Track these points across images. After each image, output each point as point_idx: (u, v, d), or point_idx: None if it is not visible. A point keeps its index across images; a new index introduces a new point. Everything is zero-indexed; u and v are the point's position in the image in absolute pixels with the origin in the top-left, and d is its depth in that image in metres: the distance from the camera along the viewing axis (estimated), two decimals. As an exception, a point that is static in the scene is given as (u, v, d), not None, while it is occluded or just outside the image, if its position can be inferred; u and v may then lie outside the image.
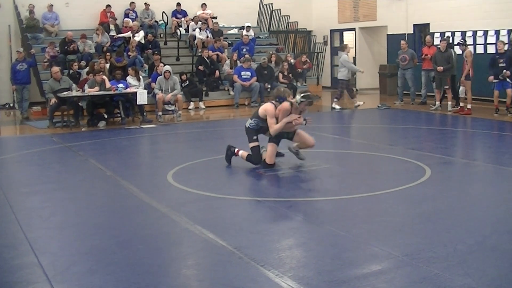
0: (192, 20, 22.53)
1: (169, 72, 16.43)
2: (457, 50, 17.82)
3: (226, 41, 22.16)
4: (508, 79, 15.25)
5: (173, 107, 16.59)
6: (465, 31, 19.18)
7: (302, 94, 9.20)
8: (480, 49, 18.77)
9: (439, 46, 17.35)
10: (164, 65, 17.50)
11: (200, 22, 22.20)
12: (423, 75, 18.46)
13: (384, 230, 6.34)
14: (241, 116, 17.44)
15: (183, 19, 22.85)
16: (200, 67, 19.98)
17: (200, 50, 20.83)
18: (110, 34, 20.87)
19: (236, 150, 9.61)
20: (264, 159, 9.24)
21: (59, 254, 5.87)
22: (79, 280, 5.13)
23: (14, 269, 5.46)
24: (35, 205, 7.84)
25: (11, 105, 19.76)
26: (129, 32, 20.72)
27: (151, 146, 13.16)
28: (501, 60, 15.36)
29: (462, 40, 17.03)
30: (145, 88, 16.80)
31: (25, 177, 9.90)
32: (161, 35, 22.10)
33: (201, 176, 9.30)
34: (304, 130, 9.67)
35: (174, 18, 22.76)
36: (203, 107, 18.90)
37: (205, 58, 20.06)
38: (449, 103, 16.62)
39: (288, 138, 9.45)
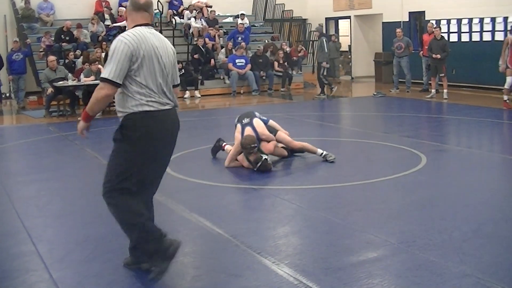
0: (187, 9, 22.47)
1: None
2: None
3: (221, 29, 22.12)
4: None
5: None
6: (461, 19, 19.18)
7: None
8: (476, 37, 18.78)
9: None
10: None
11: (195, 11, 22.14)
12: (423, 62, 18.44)
13: (380, 218, 6.37)
14: (237, 105, 17.44)
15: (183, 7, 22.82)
16: (195, 56, 19.96)
17: (195, 39, 20.80)
18: (105, 23, 20.82)
19: (223, 144, 9.55)
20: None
21: (57, 242, 5.89)
22: (76, 268, 5.16)
23: (12, 257, 5.48)
24: (32, 194, 7.85)
25: (7, 95, 19.71)
26: (124, 21, 20.59)
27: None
28: None
29: None
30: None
31: (22, 166, 9.91)
32: (156, 24, 22.03)
33: (197, 165, 9.31)
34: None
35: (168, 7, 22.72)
36: (199, 95, 18.90)
37: (200, 46, 20.04)
38: (445, 91, 16.63)
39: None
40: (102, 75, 4.56)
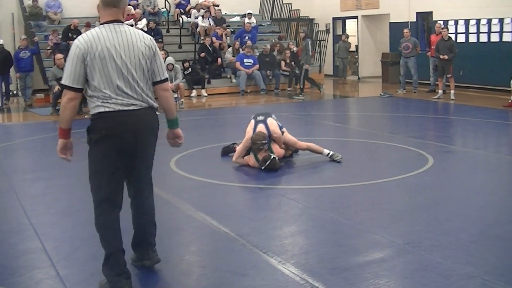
0: (195, 7, 22.49)
1: (172, 64, 16.38)
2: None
3: (228, 28, 22.13)
4: None
5: (175, 95, 16.56)
6: (469, 19, 19.14)
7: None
8: (483, 38, 18.73)
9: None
10: (167, 55, 17.47)
11: (202, 10, 22.16)
12: (431, 63, 18.43)
13: (386, 218, 6.37)
14: (244, 104, 17.45)
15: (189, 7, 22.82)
16: (202, 55, 19.97)
17: (202, 38, 20.81)
18: (112, 21, 20.82)
19: (235, 146, 9.48)
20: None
21: (63, 240, 5.91)
22: (83, 265, 5.18)
23: (19, 254, 5.50)
24: (39, 191, 7.88)
25: (15, 92, 19.75)
26: (132, 19, 20.66)
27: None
28: None
29: None
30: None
31: (29, 163, 9.94)
32: (164, 23, 22.05)
33: (204, 163, 9.32)
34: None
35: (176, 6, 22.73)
36: (205, 94, 18.90)
37: (207, 45, 20.05)
38: (452, 92, 16.60)
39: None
40: (61, 81, 4.47)
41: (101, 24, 4.50)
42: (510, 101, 14.59)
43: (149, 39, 4.60)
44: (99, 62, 4.33)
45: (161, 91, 4.65)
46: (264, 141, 8.50)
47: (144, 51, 4.50)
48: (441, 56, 16.60)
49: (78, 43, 4.36)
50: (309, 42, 18.45)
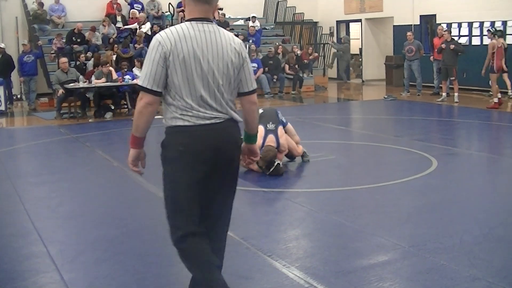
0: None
1: None
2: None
3: (232, 32, 22.14)
4: None
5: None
6: (472, 22, 19.12)
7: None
8: (487, 40, 18.69)
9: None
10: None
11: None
12: (434, 65, 18.42)
13: (390, 221, 6.36)
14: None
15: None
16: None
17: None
18: (116, 25, 20.87)
19: None
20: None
21: (67, 244, 5.91)
22: (87, 269, 5.18)
23: (23, 258, 5.51)
24: (43, 195, 7.89)
25: (19, 96, 19.79)
26: (136, 23, 20.72)
27: (157, 137, 13.12)
28: None
29: (492, 29, 16.78)
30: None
31: (33, 167, 9.94)
32: (168, 26, 21.98)
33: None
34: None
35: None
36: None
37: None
38: (456, 94, 16.58)
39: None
40: (138, 82, 3.94)
41: (187, 20, 3.87)
42: (492, 102, 14.95)
43: (239, 43, 3.95)
44: (183, 65, 3.72)
45: (247, 104, 4.02)
46: (271, 161, 8.35)
47: (234, 58, 3.87)
48: (444, 47, 16.61)
49: (161, 39, 3.73)
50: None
